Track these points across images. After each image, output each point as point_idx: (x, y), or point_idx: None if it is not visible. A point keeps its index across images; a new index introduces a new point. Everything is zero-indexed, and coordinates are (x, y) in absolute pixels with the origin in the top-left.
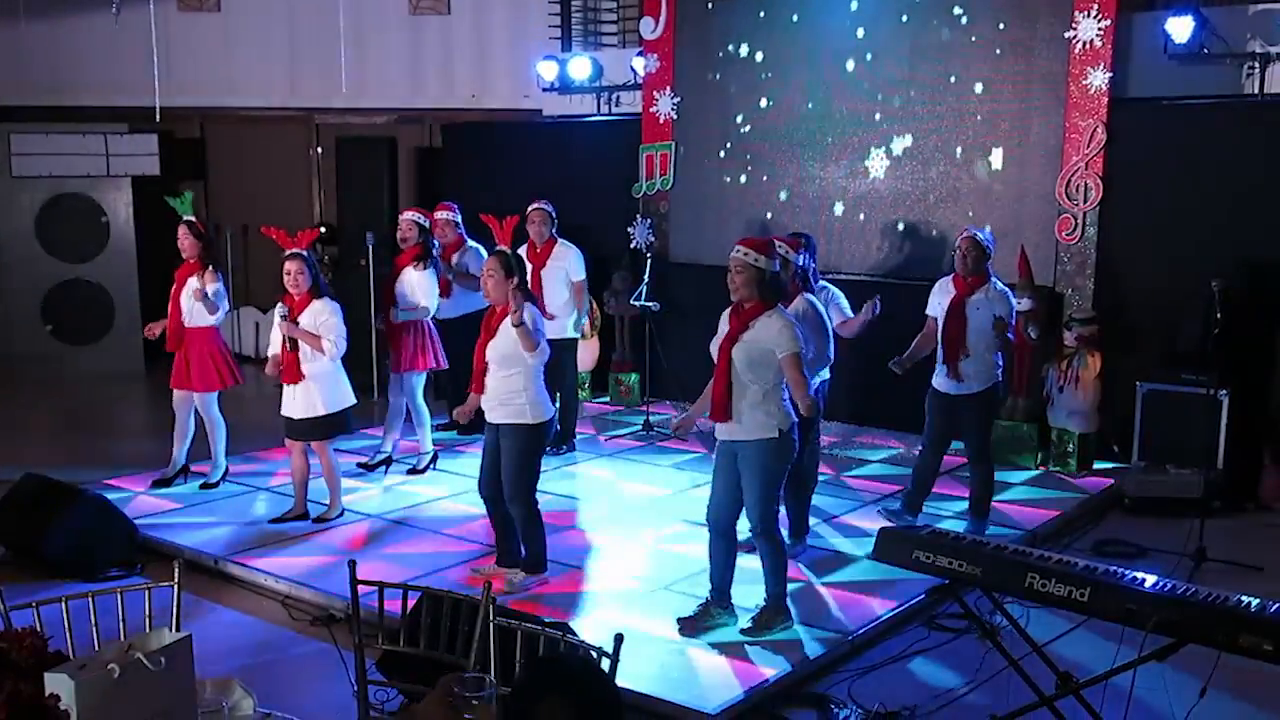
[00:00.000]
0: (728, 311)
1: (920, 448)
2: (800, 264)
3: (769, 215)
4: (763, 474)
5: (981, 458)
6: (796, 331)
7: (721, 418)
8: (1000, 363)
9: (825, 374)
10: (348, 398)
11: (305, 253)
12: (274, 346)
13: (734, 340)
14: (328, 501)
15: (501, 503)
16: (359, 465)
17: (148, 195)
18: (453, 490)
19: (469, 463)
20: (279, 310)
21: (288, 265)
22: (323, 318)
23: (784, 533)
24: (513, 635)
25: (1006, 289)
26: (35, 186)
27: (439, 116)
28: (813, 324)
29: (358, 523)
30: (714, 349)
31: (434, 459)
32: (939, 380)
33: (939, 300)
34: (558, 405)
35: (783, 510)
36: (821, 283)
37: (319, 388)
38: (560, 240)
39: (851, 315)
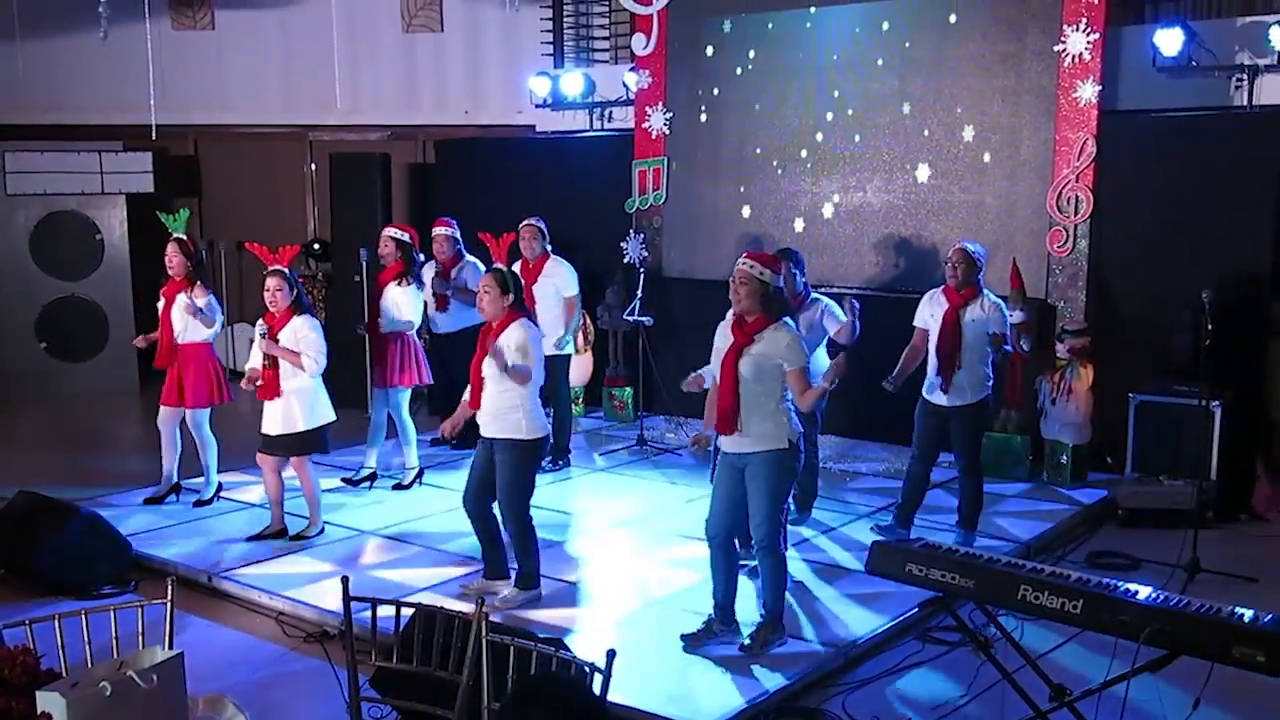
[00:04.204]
0: (727, 325)
1: (910, 458)
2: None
3: (761, 230)
4: (772, 486)
5: (972, 472)
6: (802, 345)
7: (727, 430)
8: (991, 376)
9: None
10: (327, 414)
11: (286, 270)
12: (253, 361)
13: (739, 353)
14: (307, 518)
15: (486, 516)
16: (343, 480)
17: (142, 213)
18: (445, 506)
19: (460, 478)
20: (259, 328)
21: (268, 282)
22: (303, 334)
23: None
24: (506, 651)
25: (999, 301)
26: (29, 204)
27: (432, 133)
28: None
29: (351, 539)
30: (715, 362)
31: (420, 474)
32: (930, 392)
33: (930, 312)
34: (551, 420)
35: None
36: (814, 295)
37: (299, 403)
38: (554, 256)
39: (843, 321)
